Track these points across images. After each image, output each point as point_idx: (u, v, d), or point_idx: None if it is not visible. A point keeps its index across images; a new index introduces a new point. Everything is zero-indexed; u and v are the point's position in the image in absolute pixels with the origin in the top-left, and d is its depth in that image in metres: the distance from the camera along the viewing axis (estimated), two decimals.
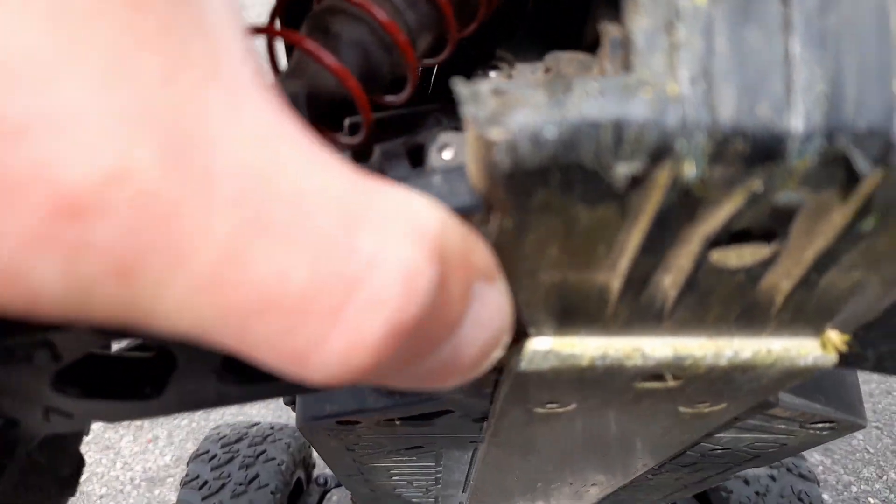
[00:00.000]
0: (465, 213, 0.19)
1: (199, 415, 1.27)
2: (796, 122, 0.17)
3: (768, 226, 0.20)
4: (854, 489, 1.54)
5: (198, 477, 0.98)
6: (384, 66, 0.27)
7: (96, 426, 1.60)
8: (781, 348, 0.26)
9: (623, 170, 0.17)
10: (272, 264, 0.14)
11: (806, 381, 0.28)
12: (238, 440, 1.04)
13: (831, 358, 0.26)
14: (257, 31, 0.25)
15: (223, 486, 0.96)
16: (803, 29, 0.17)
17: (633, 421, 0.37)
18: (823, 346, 0.26)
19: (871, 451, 1.62)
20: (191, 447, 1.11)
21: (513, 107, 0.17)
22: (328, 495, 1.20)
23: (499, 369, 0.27)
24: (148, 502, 1.43)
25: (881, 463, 1.60)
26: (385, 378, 0.18)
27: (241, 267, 0.13)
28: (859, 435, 1.65)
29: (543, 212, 0.19)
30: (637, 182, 0.18)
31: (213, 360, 0.26)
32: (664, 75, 0.17)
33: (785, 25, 0.17)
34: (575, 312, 0.24)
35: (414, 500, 0.82)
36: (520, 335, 0.25)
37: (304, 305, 0.14)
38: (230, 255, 0.13)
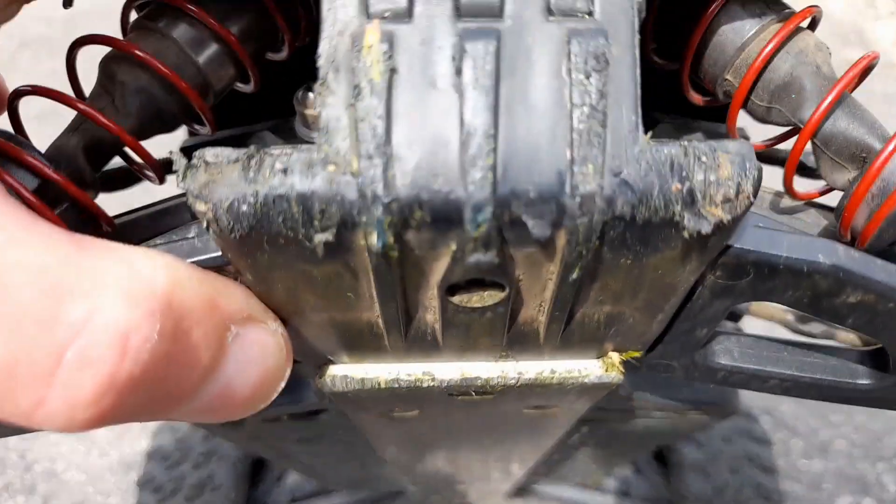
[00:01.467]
0: (217, 266, 0.21)
1: None
2: (468, 192, 0.18)
3: (492, 277, 0.21)
4: (823, 433, 1.56)
5: (161, 447, 0.99)
6: (172, 105, 0.28)
7: None
8: (565, 370, 0.27)
9: (319, 238, 0.18)
10: None
11: (606, 392, 0.30)
12: None
13: (615, 376, 0.28)
14: (36, 92, 0.26)
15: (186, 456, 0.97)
16: (476, 99, 0.18)
17: (490, 419, 0.38)
18: (605, 367, 0.28)
19: None
20: (165, 432, 1.12)
21: (216, 181, 0.18)
22: None
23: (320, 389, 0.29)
24: (126, 485, 1.44)
25: (849, 408, 1.62)
26: (151, 415, 0.20)
27: None
28: None
29: (274, 269, 0.20)
30: (340, 247, 0.19)
31: None
32: (348, 151, 0.18)
33: (460, 96, 0.18)
34: (357, 344, 0.25)
35: (357, 472, 0.82)
36: (326, 361, 0.27)
37: (12, 374, 0.16)
38: None
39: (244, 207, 0.18)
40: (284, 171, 0.18)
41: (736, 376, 0.30)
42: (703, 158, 0.19)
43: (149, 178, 0.31)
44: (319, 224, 0.18)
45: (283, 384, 0.23)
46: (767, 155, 0.39)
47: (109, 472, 1.48)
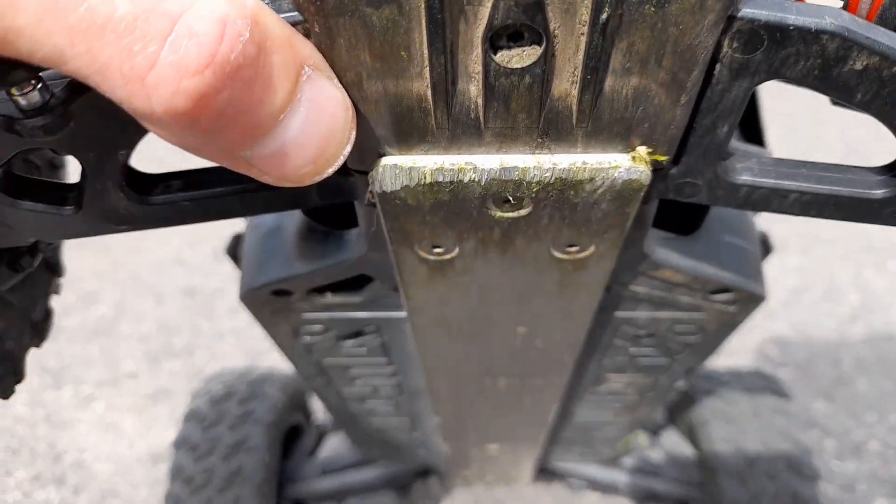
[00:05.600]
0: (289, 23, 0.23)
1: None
2: None
3: (531, 24, 0.23)
4: (856, 434, 1.53)
5: (198, 411, 1.00)
6: None
7: (99, 408, 1.62)
8: (596, 161, 0.29)
9: None
10: None
11: (637, 198, 0.31)
12: (239, 377, 1.06)
13: (644, 170, 0.29)
14: None
15: (221, 419, 0.98)
16: None
17: (521, 274, 0.40)
18: (633, 159, 0.29)
19: (872, 397, 1.62)
20: (199, 399, 1.13)
21: None
22: (325, 437, 1.21)
23: (373, 203, 0.31)
24: (154, 476, 1.44)
25: (882, 407, 1.59)
26: (232, 140, 0.21)
27: None
28: (860, 384, 1.65)
29: (340, 13, 0.22)
30: None
31: (115, 172, 0.29)
32: None
33: None
34: (407, 127, 0.27)
35: (391, 417, 0.82)
36: (377, 156, 0.29)
37: (133, 28, 0.17)
38: None
39: None
40: None
41: (757, 193, 0.32)
42: None
43: None
44: None
45: (347, 148, 0.24)
46: None
47: (138, 462, 1.49)
